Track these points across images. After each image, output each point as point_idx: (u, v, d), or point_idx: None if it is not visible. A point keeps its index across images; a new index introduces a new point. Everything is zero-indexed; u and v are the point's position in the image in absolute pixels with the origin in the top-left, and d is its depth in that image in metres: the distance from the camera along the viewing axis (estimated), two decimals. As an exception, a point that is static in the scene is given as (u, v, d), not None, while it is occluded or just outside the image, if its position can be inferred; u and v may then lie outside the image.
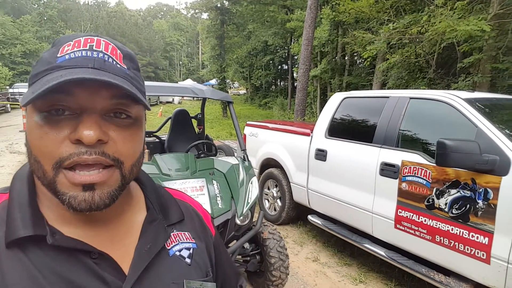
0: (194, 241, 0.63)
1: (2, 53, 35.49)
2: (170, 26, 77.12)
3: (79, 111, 0.46)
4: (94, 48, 0.48)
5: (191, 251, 0.61)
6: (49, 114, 0.45)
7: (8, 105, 17.88)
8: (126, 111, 0.50)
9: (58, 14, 52.61)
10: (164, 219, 0.61)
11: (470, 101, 2.55)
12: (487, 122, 2.35)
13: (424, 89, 6.93)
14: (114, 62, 0.49)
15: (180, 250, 0.60)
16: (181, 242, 0.61)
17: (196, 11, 25.44)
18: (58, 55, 0.47)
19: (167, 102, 27.82)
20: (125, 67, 0.51)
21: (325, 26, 12.27)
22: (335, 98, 3.78)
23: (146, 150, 3.45)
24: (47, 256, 0.47)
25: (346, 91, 12.59)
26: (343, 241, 3.54)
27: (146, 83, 3.32)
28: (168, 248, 0.59)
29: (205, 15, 25.79)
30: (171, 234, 0.61)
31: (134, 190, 0.62)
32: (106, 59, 0.48)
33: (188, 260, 0.60)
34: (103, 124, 0.47)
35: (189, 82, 42.84)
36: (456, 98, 2.60)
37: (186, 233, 0.63)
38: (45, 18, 51.16)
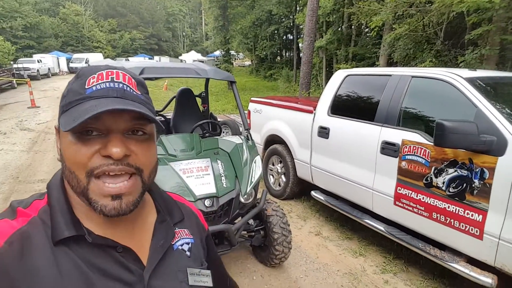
0: (192, 237, 0.76)
1: (2, 27, 34.96)
2: (172, -5, 74.83)
3: (106, 131, 0.57)
4: (115, 79, 0.60)
5: (190, 245, 0.75)
6: (81, 134, 0.56)
7: (14, 81, 17.89)
8: (143, 129, 0.61)
9: (57, -15, 51.18)
10: (171, 219, 0.74)
11: (471, 80, 2.55)
12: (487, 102, 2.36)
13: (431, 61, 6.81)
14: (131, 90, 0.61)
15: (181, 245, 0.73)
16: (182, 238, 0.74)
17: (198, -21, 24.54)
18: (86, 87, 0.59)
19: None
20: (139, 93, 0.62)
21: (330, -5, 11.88)
22: (338, 76, 3.77)
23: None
24: (85, 251, 0.59)
25: (352, 62, 12.38)
26: (344, 216, 3.67)
27: (150, 64, 3.34)
28: (172, 243, 0.72)
29: (207, -16, 24.93)
30: (174, 231, 0.74)
31: (146, 195, 0.73)
32: (125, 88, 0.60)
33: (188, 253, 0.73)
34: (125, 140, 0.58)
35: (193, 54, 42.28)
36: (457, 77, 2.60)
37: (185, 230, 0.76)
38: (44, -10, 49.88)
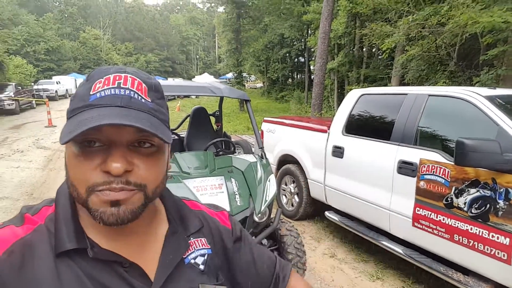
0: (209, 247, 0.70)
1: (27, 51, 36.60)
2: (187, 20, 77.49)
3: (108, 142, 0.53)
4: (121, 85, 0.55)
5: (205, 257, 0.68)
6: (83, 145, 0.53)
7: (34, 102, 18.48)
8: (150, 141, 0.56)
9: (78, 11, 53.74)
10: (184, 230, 0.68)
11: (491, 99, 2.51)
12: (509, 120, 2.31)
13: (445, 82, 6.76)
14: (140, 98, 0.55)
15: (195, 258, 0.67)
16: (197, 249, 0.68)
17: (212, 4, 25.45)
18: (91, 93, 0.54)
19: (185, 97, 28.01)
20: (149, 100, 0.57)
21: (342, 18, 12.05)
22: (352, 95, 3.77)
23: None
24: (88, 264, 0.55)
25: (364, 84, 12.41)
26: (360, 238, 3.56)
27: (166, 82, 3.41)
28: (184, 257, 0.66)
29: (221, 9, 25.79)
30: (188, 243, 0.68)
31: (158, 205, 0.69)
32: (132, 95, 0.55)
33: (202, 267, 0.67)
34: (128, 154, 0.54)
35: (206, 76, 43.20)
36: (476, 95, 2.56)
37: (202, 239, 0.70)
38: (66, 16, 52.39)
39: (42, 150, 8.78)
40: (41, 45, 38.29)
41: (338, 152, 3.66)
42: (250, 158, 3.14)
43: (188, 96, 27.76)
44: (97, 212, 0.53)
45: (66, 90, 26.96)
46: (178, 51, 65.30)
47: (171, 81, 4.02)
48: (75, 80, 31.72)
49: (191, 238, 0.69)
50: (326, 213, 3.89)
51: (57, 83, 25.77)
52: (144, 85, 0.57)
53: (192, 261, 0.66)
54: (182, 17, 78.10)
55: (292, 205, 4.63)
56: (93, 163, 0.52)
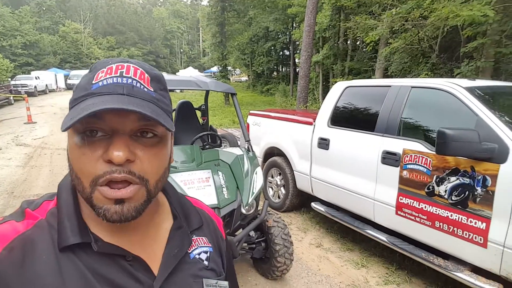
0: (210, 245, 0.71)
1: (2, 45, 35.30)
2: (170, 13, 76.18)
3: (111, 132, 0.52)
4: (124, 74, 0.54)
5: (208, 254, 0.69)
6: (85, 135, 0.52)
7: (11, 97, 17.92)
8: (153, 130, 0.55)
9: (57, 4, 52.02)
10: (187, 226, 0.69)
11: (470, 90, 2.59)
12: (487, 110, 2.39)
13: (427, 74, 6.91)
14: (142, 87, 0.55)
15: (199, 254, 0.68)
16: (200, 246, 0.69)
17: (196, -3, 25.05)
18: (93, 82, 0.53)
19: (170, 90, 27.64)
20: (152, 90, 0.56)
21: (327, 12, 12.11)
22: (338, 87, 3.81)
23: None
24: (91, 258, 0.55)
25: (348, 76, 12.54)
26: (345, 227, 3.64)
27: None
28: (189, 251, 0.67)
29: (205, 2, 25.46)
30: (192, 239, 0.68)
31: (161, 199, 0.69)
32: (135, 84, 0.54)
33: (206, 263, 0.68)
34: (131, 144, 0.53)
35: (190, 70, 42.68)
36: (457, 86, 2.64)
37: (203, 238, 0.71)
38: (44, 9, 50.66)
39: (22, 147, 8.55)
40: (17, 39, 36.96)
41: (323, 144, 3.71)
42: (237, 151, 3.15)
43: (172, 90, 27.43)
44: (101, 209, 0.52)
45: (46, 85, 26.22)
46: (161, 45, 64.25)
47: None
48: (55, 75, 30.90)
49: (194, 235, 0.69)
50: (313, 204, 3.95)
51: (36, 78, 24.99)
52: (146, 75, 0.56)
53: (197, 256, 0.67)
54: (166, 11, 76.73)
55: (279, 197, 4.67)
56: (96, 154, 0.51)
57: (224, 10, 18.81)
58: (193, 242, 0.68)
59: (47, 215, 0.57)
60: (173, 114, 4.40)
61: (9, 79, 24.94)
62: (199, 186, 2.61)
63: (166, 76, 3.60)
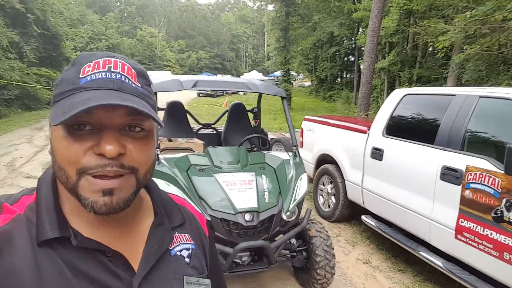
0: (192, 242, 0.70)
1: (90, 48, 39.59)
2: (237, 18, 78.72)
3: (99, 126, 0.52)
4: (112, 69, 0.54)
5: (190, 251, 0.68)
6: (72, 128, 0.51)
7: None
8: (140, 125, 0.55)
9: (136, 10, 57.06)
10: (169, 223, 0.68)
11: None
12: None
13: (509, 83, 6.14)
14: (130, 82, 0.55)
15: (180, 251, 0.66)
16: (182, 243, 0.67)
17: (262, 2, 25.56)
18: (81, 76, 0.53)
19: (233, 93, 28.40)
20: (139, 86, 0.57)
21: (394, 15, 11.42)
22: (395, 95, 3.55)
23: (202, 142, 3.63)
24: (70, 254, 0.54)
25: (416, 84, 11.72)
26: (398, 246, 3.36)
27: (203, 77, 3.47)
28: (170, 248, 0.65)
29: (270, 7, 25.80)
30: (173, 236, 0.67)
31: (143, 195, 0.68)
32: (123, 79, 0.54)
33: (187, 260, 0.66)
34: (121, 138, 0.53)
35: (254, 74, 43.54)
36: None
37: (186, 235, 0.70)
38: (125, 15, 55.87)
39: None
40: (103, 42, 41.21)
41: (377, 154, 3.48)
42: (284, 155, 3.09)
43: (236, 93, 28.07)
44: (88, 200, 0.52)
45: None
46: (228, 49, 66.66)
47: (210, 76, 4.07)
48: (131, 75, 33.72)
49: (176, 232, 0.68)
50: (363, 217, 3.72)
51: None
52: (133, 70, 0.57)
53: (178, 253, 0.66)
54: (233, 16, 79.51)
55: (329, 206, 4.50)
56: (84, 146, 0.51)
57: (289, 15, 18.81)
58: (174, 239, 0.67)
59: (25, 209, 0.56)
60: (226, 114, 4.49)
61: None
62: (240, 188, 2.60)
63: (219, 77, 3.68)
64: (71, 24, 34.92)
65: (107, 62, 0.54)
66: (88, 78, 0.53)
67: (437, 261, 2.78)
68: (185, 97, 24.68)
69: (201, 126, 4.75)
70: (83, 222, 0.57)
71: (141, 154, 0.55)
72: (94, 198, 0.52)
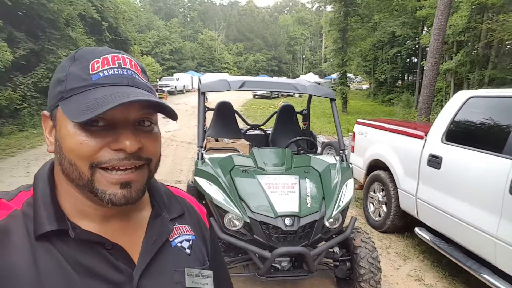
0: (193, 233, 0.70)
1: (156, 52, 42.41)
2: (295, 20, 78.38)
3: (113, 122, 0.53)
4: (122, 65, 0.56)
5: (190, 242, 0.68)
6: (85, 124, 0.51)
7: (157, 96, 21.14)
8: (150, 119, 0.57)
9: (198, 15, 59.79)
10: (167, 214, 0.68)
11: None
12: None
13: None
14: (139, 78, 0.57)
15: (181, 242, 0.66)
16: (182, 235, 0.68)
17: (320, 3, 25.08)
18: (91, 72, 0.53)
19: (288, 95, 28.32)
20: (145, 81, 0.59)
21: (463, 12, 10.41)
22: (459, 97, 3.22)
23: (247, 143, 3.63)
24: (69, 247, 0.54)
25: (488, 87, 10.62)
26: (457, 265, 3.04)
27: (250, 78, 3.47)
28: (171, 240, 0.65)
29: (329, 8, 25.25)
30: (173, 227, 0.67)
31: None
32: (134, 75, 0.56)
33: (188, 251, 0.66)
34: (136, 134, 0.54)
35: (310, 76, 43.05)
36: None
37: (186, 226, 0.70)
38: (188, 20, 58.80)
39: (179, 143, 9.83)
40: (167, 46, 43.91)
41: (435, 161, 3.18)
42: (330, 159, 2.97)
43: (292, 95, 27.91)
44: (105, 193, 0.53)
45: (183, 86, 30.24)
46: (285, 51, 66.78)
47: (259, 77, 4.07)
48: (191, 77, 35.37)
49: (176, 224, 0.68)
50: (416, 229, 3.44)
51: (176, 79, 29.14)
52: (138, 66, 0.59)
53: (179, 244, 0.66)
54: (291, 18, 79.35)
55: (380, 215, 4.24)
56: (100, 142, 0.52)
57: (347, 15, 18.21)
58: (174, 230, 0.67)
59: (23, 205, 0.57)
60: (275, 116, 4.46)
61: (158, 80, 29.74)
62: (282, 191, 2.54)
63: (266, 78, 3.66)
64: (139, 29, 37.68)
65: (115, 58, 0.55)
66: (101, 74, 0.53)
67: (503, 287, 2.46)
68: (241, 99, 25.26)
69: (249, 127, 4.77)
70: (81, 216, 0.57)
71: (153, 146, 0.58)
72: (112, 190, 0.53)
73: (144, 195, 0.57)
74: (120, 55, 0.56)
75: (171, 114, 0.58)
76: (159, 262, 0.61)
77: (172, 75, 33.73)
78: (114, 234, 0.59)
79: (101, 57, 0.55)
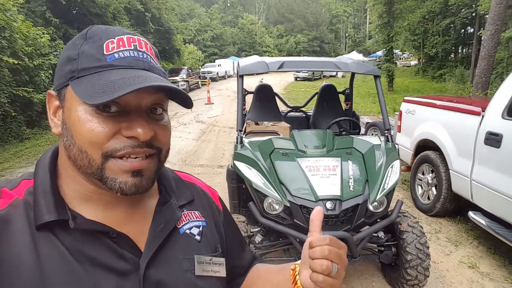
0: (203, 219, 0.68)
1: (197, 39, 43.14)
2: (338, -4, 75.05)
3: (127, 107, 0.51)
4: (138, 48, 0.54)
5: (200, 228, 0.66)
6: (98, 109, 0.50)
7: (199, 82, 21.61)
8: (162, 106, 0.56)
9: (238, 0, 59.34)
10: (175, 201, 0.65)
11: None
12: None
13: None
14: (154, 62, 0.56)
15: (190, 228, 0.64)
16: (191, 221, 0.66)
17: (364, -24, 23.62)
18: (105, 53, 0.51)
19: (331, 76, 27.47)
20: (159, 65, 0.57)
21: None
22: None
23: (288, 125, 3.57)
24: (72, 237, 0.52)
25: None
26: (517, 251, 2.80)
27: (289, 59, 3.37)
28: (179, 227, 0.63)
29: (374, -20, 23.70)
30: (182, 214, 0.65)
31: None
32: (150, 60, 0.55)
33: (198, 237, 0.64)
34: (149, 121, 0.53)
35: (354, 55, 41.28)
36: None
37: (195, 212, 0.68)
38: (228, 5, 58.69)
39: (200, 124, 10.25)
40: (208, 33, 44.45)
41: (494, 140, 2.91)
42: (375, 140, 2.84)
43: (334, 76, 27.03)
44: (115, 182, 0.51)
45: (225, 71, 30.50)
46: (326, 30, 64.42)
47: (296, 57, 3.95)
48: (233, 62, 35.53)
49: (184, 210, 0.66)
50: (470, 213, 3.19)
51: (218, 65, 29.47)
52: (153, 50, 0.58)
53: (188, 231, 0.64)
54: (333, -6, 76.00)
55: (429, 198, 4.01)
56: (112, 128, 0.50)
57: (394, -14, 17.03)
58: (183, 217, 0.65)
59: (25, 193, 0.55)
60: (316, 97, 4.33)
61: (200, 67, 30.32)
62: (324, 174, 2.48)
63: (305, 58, 3.55)
64: (181, 18, 38.43)
65: (131, 40, 0.54)
66: (116, 55, 0.52)
67: None
68: (283, 82, 24.97)
69: (290, 109, 4.69)
70: (84, 205, 0.56)
71: (164, 134, 0.56)
72: (123, 179, 0.52)
73: (153, 184, 0.57)
74: (135, 37, 0.54)
75: (186, 102, 0.57)
76: (167, 250, 0.59)
77: (214, 62, 34.12)
78: (119, 222, 0.57)
79: (116, 38, 0.53)
